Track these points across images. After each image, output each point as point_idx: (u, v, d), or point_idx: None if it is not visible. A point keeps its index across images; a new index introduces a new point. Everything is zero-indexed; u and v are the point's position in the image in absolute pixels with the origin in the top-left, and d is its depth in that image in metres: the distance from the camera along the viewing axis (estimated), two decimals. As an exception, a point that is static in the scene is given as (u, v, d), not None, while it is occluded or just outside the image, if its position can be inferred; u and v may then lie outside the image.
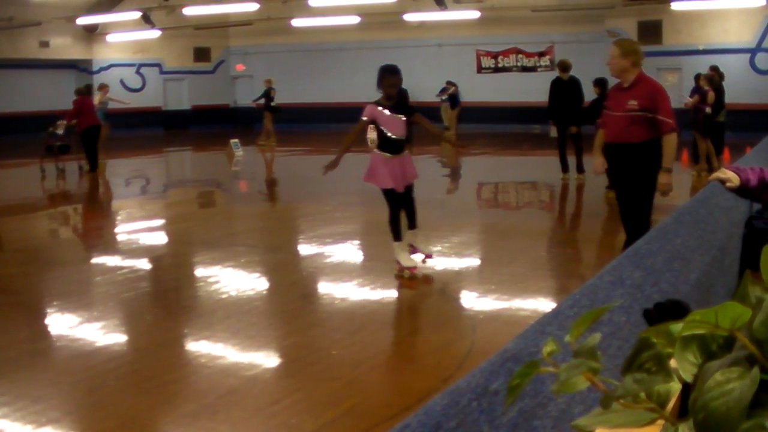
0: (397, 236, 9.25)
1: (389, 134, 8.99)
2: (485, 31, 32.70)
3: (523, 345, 1.77)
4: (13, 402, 5.81)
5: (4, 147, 29.25)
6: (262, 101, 28.06)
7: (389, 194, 9.14)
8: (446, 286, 9.21)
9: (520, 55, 33.87)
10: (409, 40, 33.51)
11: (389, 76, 9.01)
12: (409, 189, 9.29)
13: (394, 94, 9.03)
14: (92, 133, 21.11)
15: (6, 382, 6.28)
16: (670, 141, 7.92)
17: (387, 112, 8.96)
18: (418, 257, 9.42)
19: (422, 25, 32.45)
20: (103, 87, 24.50)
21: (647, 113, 7.87)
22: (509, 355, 1.69)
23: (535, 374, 1.11)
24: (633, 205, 8.22)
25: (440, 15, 29.96)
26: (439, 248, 10.50)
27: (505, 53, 33.89)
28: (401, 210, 9.30)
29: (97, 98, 23.65)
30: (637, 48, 8.24)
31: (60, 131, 21.62)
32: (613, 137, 8.19)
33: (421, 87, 31.46)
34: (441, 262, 9.93)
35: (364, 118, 9.01)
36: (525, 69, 33.56)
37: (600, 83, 17.89)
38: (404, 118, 9.04)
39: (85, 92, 21.91)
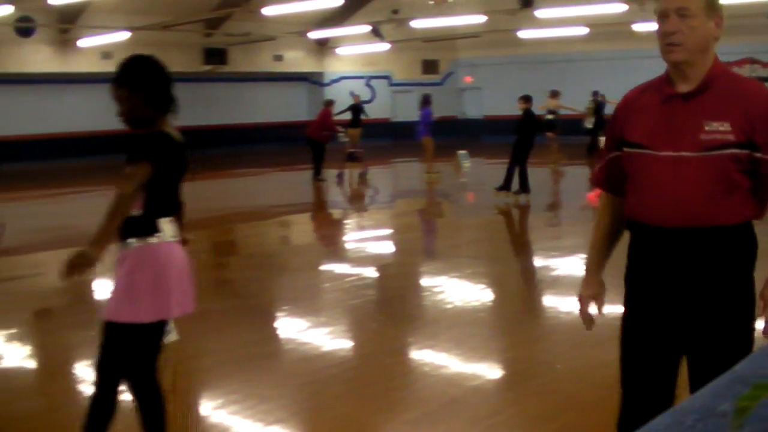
0: None
1: None
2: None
3: (752, 367, 1.71)
4: (243, 401, 6.04)
5: (242, 157, 30.50)
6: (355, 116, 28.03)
7: None
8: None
9: (755, 65, 32.55)
10: (638, 51, 32.73)
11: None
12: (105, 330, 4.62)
13: (124, 112, 4.51)
14: (313, 144, 22.13)
15: (237, 382, 6.53)
16: None
17: None
18: None
19: (651, 35, 31.65)
20: (556, 94, 25.51)
21: (753, 153, 3.41)
22: (737, 376, 1.64)
23: (764, 397, 1.07)
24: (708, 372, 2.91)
25: (671, 24, 29.15)
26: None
27: (739, 63, 32.62)
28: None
29: (549, 104, 24.95)
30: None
31: (344, 139, 23.12)
32: (663, 213, 3.51)
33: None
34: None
35: None
36: (761, 80, 32.08)
37: (526, 98, 18.00)
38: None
39: (326, 104, 23.20)
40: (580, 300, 3.96)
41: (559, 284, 9.82)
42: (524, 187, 17.26)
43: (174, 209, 4.58)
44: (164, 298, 4.40)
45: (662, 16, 3.55)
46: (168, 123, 4.50)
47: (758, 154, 3.40)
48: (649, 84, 3.71)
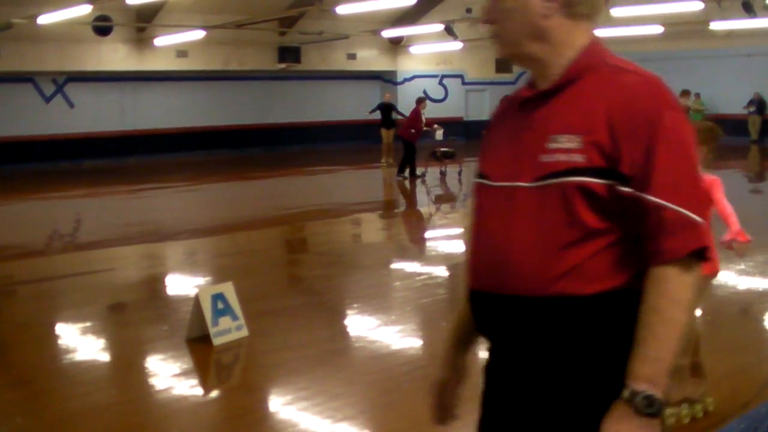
0: None
1: None
2: (799, 39, 31.03)
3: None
4: (313, 397, 6.08)
5: (315, 155, 30.67)
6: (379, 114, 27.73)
7: None
8: (749, 307, 8.80)
9: None
10: (716, 50, 32.30)
11: None
12: None
13: None
14: (404, 143, 22.29)
15: (307, 378, 6.57)
16: (681, 290, 2.20)
17: None
18: None
19: (730, 34, 31.16)
20: (685, 93, 25.73)
21: (617, 185, 2.24)
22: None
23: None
24: None
25: (749, 23, 28.65)
26: (742, 267, 10.06)
27: None
28: None
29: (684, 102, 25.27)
30: None
31: (439, 138, 23.19)
32: (487, 271, 2.40)
33: (728, 99, 30.29)
34: (744, 281, 9.52)
35: None
36: None
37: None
38: None
39: (417, 102, 23.28)
40: (431, 386, 2.92)
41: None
42: None
43: None
44: None
45: None
46: None
47: (625, 189, 2.24)
48: (518, 92, 2.54)
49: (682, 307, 2.19)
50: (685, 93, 25.24)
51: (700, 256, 2.22)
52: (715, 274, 5.43)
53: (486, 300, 2.42)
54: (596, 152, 2.24)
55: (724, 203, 5.36)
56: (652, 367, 2.17)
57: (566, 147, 2.26)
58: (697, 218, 2.21)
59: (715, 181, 5.33)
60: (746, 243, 5.58)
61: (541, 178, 2.28)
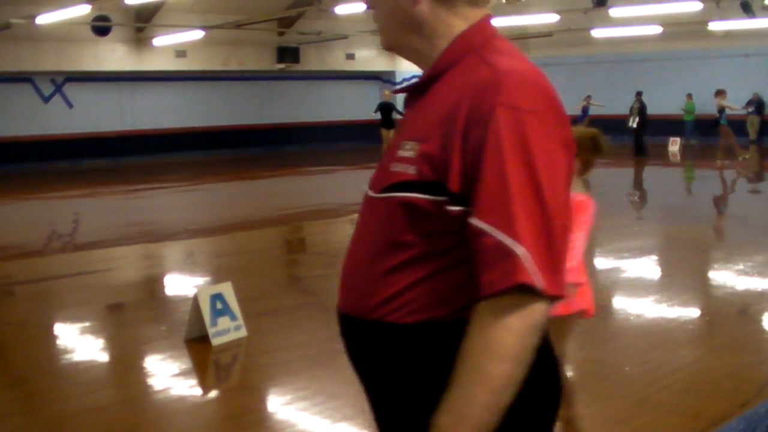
0: None
1: None
2: (798, 40, 31.04)
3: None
4: (312, 397, 6.08)
5: (314, 155, 30.68)
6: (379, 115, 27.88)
7: None
8: (747, 307, 8.80)
9: None
10: (714, 51, 32.29)
11: None
12: None
13: None
14: None
15: (306, 378, 6.57)
16: (497, 334, 1.81)
17: None
18: None
19: (728, 35, 31.16)
20: (721, 93, 25.81)
21: (446, 205, 1.92)
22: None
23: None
24: None
25: (748, 23, 28.67)
26: (741, 267, 10.07)
27: None
28: None
29: (720, 102, 25.41)
30: None
31: None
32: (339, 289, 2.22)
33: (727, 99, 30.30)
34: (743, 281, 9.53)
35: None
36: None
37: None
38: None
39: None
40: None
41: (630, 286, 9.72)
42: None
43: None
44: None
45: None
46: None
47: (453, 208, 1.91)
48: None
49: (497, 355, 1.81)
50: (721, 92, 25.32)
51: (533, 291, 1.81)
52: (585, 314, 4.73)
53: (339, 319, 2.23)
54: (427, 163, 1.93)
55: (578, 232, 4.33)
56: (449, 421, 1.87)
57: (406, 156, 1.99)
58: (517, 247, 1.80)
59: (583, 202, 4.43)
60: (574, 285, 4.33)
61: (382, 190, 2.05)
